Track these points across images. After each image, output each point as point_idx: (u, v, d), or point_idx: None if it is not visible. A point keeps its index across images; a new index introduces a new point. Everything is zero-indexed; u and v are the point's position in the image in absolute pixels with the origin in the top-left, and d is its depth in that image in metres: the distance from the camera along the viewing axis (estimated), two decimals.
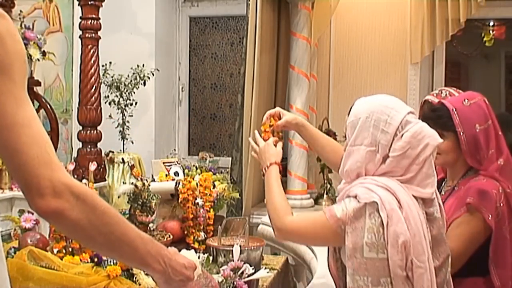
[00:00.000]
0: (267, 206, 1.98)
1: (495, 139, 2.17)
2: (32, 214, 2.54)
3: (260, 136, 2.20)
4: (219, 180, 3.24)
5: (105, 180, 3.43)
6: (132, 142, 3.77)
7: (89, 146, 3.48)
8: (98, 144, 3.54)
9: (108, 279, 1.99)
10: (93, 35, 3.47)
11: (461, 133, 2.13)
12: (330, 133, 4.16)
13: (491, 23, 6.34)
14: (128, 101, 3.69)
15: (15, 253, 2.13)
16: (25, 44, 3.55)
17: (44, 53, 3.68)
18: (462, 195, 2.14)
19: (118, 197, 3.39)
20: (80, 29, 3.48)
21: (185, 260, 1.40)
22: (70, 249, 2.17)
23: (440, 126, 2.18)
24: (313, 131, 2.24)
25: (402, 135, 1.72)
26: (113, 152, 3.57)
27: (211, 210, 3.05)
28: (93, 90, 3.47)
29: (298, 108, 4.25)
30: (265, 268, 2.55)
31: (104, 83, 3.63)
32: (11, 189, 3.07)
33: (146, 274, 2.02)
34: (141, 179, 2.94)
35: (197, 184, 3.05)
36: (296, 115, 4.36)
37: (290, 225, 1.85)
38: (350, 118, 1.82)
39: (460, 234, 2.09)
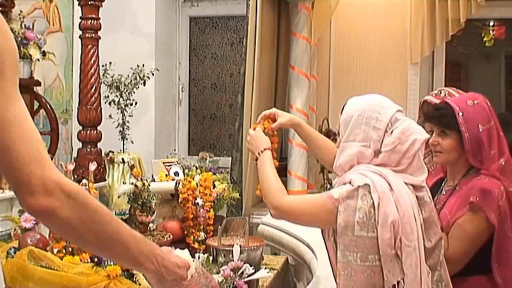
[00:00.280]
0: (262, 187, 2.02)
1: (497, 140, 2.18)
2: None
3: None
4: (219, 180, 3.24)
5: (105, 180, 3.43)
6: (132, 142, 3.77)
7: (89, 146, 3.48)
8: (98, 144, 3.54)
9: (108, 279, 1.99)
10: (93, 35, 3.47)
11: (465, 133, 2.14)
12: (330, 133, 4.16)
13: (491, 23, 6.34)
14: (128, 101, 3.69)
15: (15, 253, 2.13)
16: (25, 44, 3.54)
17: (44, 53, 3.67)
18: (465, 195, 2.14)
19: (118, 197, 3.39)
20: (80, 29, 3.48)
21: (179, 260, 1.39)
22: (70, 249, 2.17)
23: (444, 125, 2.19)
24: (310, 131, 2.28)
25: (392, 132, 1.84)
26: (113, 152, 3.57)
27: (211, 210, 3.05)
28: (93, 90, 3.47)
29: (298, 108, 4.25)
30: (265, 268, 2.55)
31: (104, 83, 3.63)
32: (11, 189, 3.07)
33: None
34: (141, 179, 2.94)
35: (197, 184, 3.05)
36: (295, 115, 4.38)
37: (287, 203, 1.91)
38: (343, 116, 1.92)
39: (463, 233, 2.11)
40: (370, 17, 4.68)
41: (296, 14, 4.30)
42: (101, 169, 3.42)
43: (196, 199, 3.01)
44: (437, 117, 2.24)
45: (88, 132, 3.49)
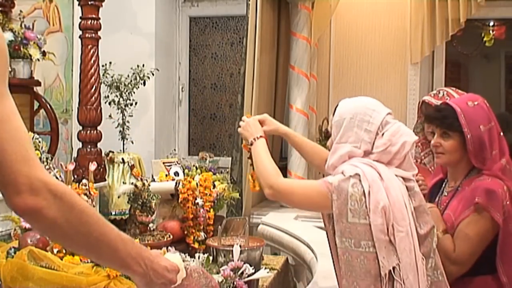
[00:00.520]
0: (257, 169, 2.08)
1: (498, 140, 2.19)
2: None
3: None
4: (219, 180, 3.24)
5: (105, 180, 3.42)
6: (132, 142, 3.77)
7: (89, 146, 3.48)
8: (98, 144, 3.54)
9: (108, 279, 1.99)
10: (93, 35, 3.46)
11: (468, 134, 2.15)
12: (329, 133, 4.16)
13: (491, 23, 6.34)
14: (128, 101, 3.68)
15: (15, 253, 2.13)
16: (25, 44, 3.54)
17: (44, 53, 3.67)
18: (469, 195, 2.15)
19: (118, 197, 3.39)
20: (80, 29, 3.48)
21: (168, 263, 1.36)
22: None
23: (446, 126, 2.20)
24: (297, 139, 2.34)
25: (383, 134, 1.93)
26: (113, 152, 3.56)
27: (211, 210, 3.05)
28: (93, 90, 3.46)
29: (298, 108, 4.26)
30: (265, 268, 2.55)
31: (104, 83, 3.62)
32: None
33: None
34: (141, 179, 2.94)
35: (197, 184, 3.05)
36: (296, 115, 4.39)
37: (283, 184, 1.98)
38: (335, 118, 2.02)
39: (469, 234, 2.12)
40: (370, 17, 4.68)
41: (296, 14, 4.31)
42: (101, 169, 3.41)
43: (196, 199, 3.01)
44: (439, 118, 2.25)
45: (88, 132, 3.49)
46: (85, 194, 2.61)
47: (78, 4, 3.48)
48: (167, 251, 2.47)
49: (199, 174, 3.18)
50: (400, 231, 1.80)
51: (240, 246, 2.51)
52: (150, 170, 3.42)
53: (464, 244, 2.11)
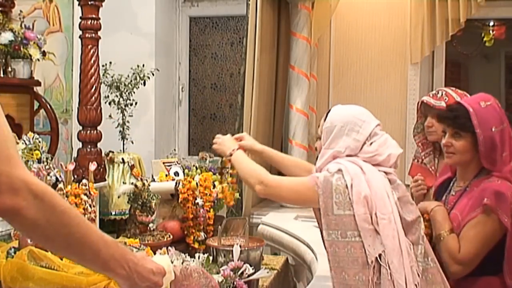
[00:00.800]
0: (244, 173, 2.18)
1: (509, 142, 2.18)
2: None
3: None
4: (219, 180, 3.24)
5: (105, 180, 3.42)
6: (132, 142, 3.77)
7: (89, 146, 3.47)
8: (98, 144, 3.53)
9: (108, 279, 1.99)
10: (93, 35, 3.46)
11: (480, 135, 2.14)
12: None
13: (491, 23, 6.34)
14: (128, 101, 3.68)
15: (15, 253, 2.13)
16: (25, 44, 3.54)
17: (44, 53, 3.67)
18: (477, 196, 2.14)
19: (118, 197, 3.39)
20: (80, 29, 3.48)
21: (153, 265, 1.33)
22: None
23: (458, 126, 2.19)
24: (273, 154, 2.44)
25: (371, 143, 2.06)
26: (113, 152, 3.56)
27: (211, 210, 3.05)
28: (93, 90, 3.46)
29: (298, 108, 4.26)
30: (265, 268, 2.55)
31: (104, 83, 3.62)
32: None
33: None
34: (141, 179, 2.94)
35: (197, 184, 3.05)
36: (296, 115, 4.38)
37: (273, 179, 2.09)
38: (327, 124, 2.15)
39: (476, 234, 2.11)
40: (370, 17, 4.68)
41: (296, 14, 4.31)
42: (101, 169, 3.41)
43: (196, 199, 3.01)
44: (451, 118, 2.24)
45: (88, 132, 3.48)
46: (85, 194, 2.61)
47: (78, 4, 3.48)
48: (167, 251, 2.47)
49: (199, 174, 3.19)
50: (383, 219, 1.92)
51: (240, 246, 2.51)
52: (150, 170, 3.42)
53: (469, 245, 2.10)
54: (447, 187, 2.38)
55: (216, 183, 3.20)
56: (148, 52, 4.80)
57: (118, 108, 3.68)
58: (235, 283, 2.30)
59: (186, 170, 3.30)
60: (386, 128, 5.05)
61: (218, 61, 5.23)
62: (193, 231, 2.96)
